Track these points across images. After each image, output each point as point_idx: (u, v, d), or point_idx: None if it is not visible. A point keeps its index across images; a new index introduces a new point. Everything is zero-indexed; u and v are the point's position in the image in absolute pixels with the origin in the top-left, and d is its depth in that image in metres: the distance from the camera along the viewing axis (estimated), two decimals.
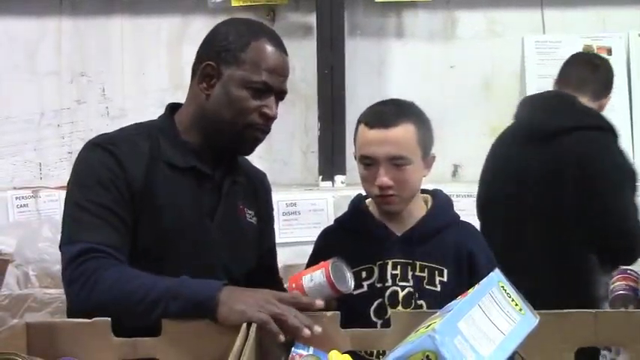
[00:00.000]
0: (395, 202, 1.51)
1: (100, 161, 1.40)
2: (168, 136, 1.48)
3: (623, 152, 2.22)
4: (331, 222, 1.70)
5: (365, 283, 1.52)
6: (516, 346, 1.04)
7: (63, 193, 1.45)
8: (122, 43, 3.30)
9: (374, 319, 1.50)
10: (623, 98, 3.09)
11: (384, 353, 1.30)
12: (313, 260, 1.52)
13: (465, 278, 1.51)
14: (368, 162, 1.50)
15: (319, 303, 1.24)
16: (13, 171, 3.29)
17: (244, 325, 1.16)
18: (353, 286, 1.37)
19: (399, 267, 1.52)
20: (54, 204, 3.00)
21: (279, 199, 2.90)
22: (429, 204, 1.61)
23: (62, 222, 1.41)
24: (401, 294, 1.51)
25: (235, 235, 1.53)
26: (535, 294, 2.08)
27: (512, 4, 3.30)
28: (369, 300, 1.52)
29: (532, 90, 3.11)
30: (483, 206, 2.42)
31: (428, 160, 1.55)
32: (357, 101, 3.17)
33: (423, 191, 1.62)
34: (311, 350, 1.18)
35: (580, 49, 3.01)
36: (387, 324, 1.27)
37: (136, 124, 1.54)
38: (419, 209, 1.59)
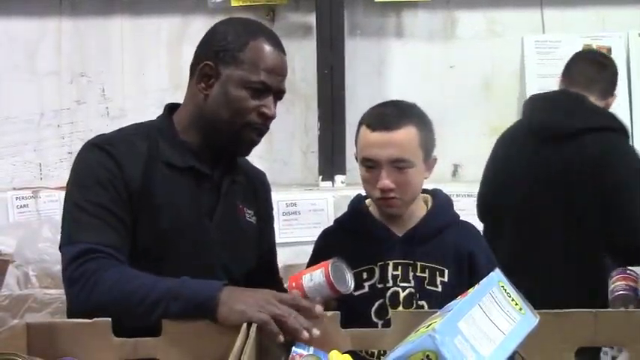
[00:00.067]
0: (396, 204, 1.51)
1: (98, 161, 1.40)
2: (167, 136, 1.49)
3: (635, 153, 2.23)
4: (331, 222, 1.70)
5: (366, 284, 1.52)
6: (516, 346, 1.04)
7: (63, 194, 1.45)
8: (122, 43, 3.30)
9: (375, 319, 1.50)
10: (623, 98, 3.08)
11: (384, 353, 1.30)
12: (313, 261, 1.52)
13: (466, 278, 1.51)
14: (370, 164, 1.50)
15: (319, 309, 1.24)
16: (13, 171, 3.29)
17: (244, 325, 1.16)
18: (353, 286, 1.37)
19: (399, 267, 1.52)
20: (54, 204, 3.00)
21: (279, 199, 2.90)
22: (429, 204, 1.61)
23: (62, 223, 1.41)
24: (402, 294, 1.51)
25: (235, 235, 1.53)
26: (548, 293, 2.09)
27: (512, 4, 3.30)
28: (370, 301, 1.52)
29: (532, 90, 3.11)
30: (489, 206, 2.41)
31: (429, 162, 1.55)
32: (356, 101, 3.18)
33: (423, 191, 1.61)
34: (311, 350, 1.18)
35: (580, 49, 3.00)
36: (388, 324, 1.27)
37: (134, 124, 1.54)
38: (419, 209, 1.59)
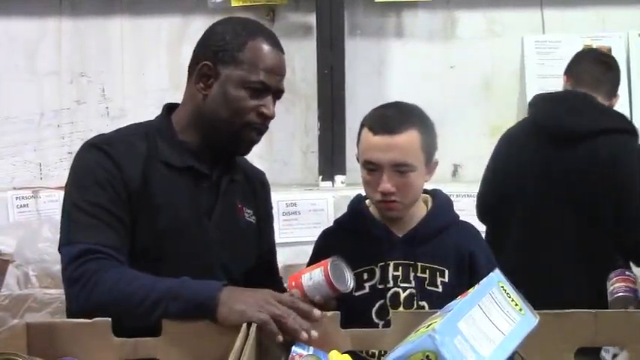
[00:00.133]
0: (397, 208, 1.51)
1: (97, 162, 1.40)
2: (166, 136, 1.49)
3: None
4: (331, 222, 1.70)
5: (366, 285, 1.52)
6: (516, 346, 1.04)
7: (63, 194, 1.45)
8: (122, 43, 3.30)
9: (376, 320, 1.50)
10: (623, 98, 3.06)
11: (385, 353, 1.30)
12: (313, 261, 1.52)
13: (466, 278, 1.51)
14: (371, 167, 1.50)
15: (317, 313, 1.24)
16: (13, 171, 3.29)
17: (244, 325, 1.16)
18: (352, 285, 1.37)
19: (400, 268, 1.52)
20: (54, 204, 3.00)
21: (279, 199, 2.90)
22: (429, 204, 1.61)
23: (60, 223, 1.41)
24: (402, 295, 1.51)
25: (234, 235, 1.53)
26: (559, 293, 2.09)
27: (512, 4, 3.30)
28: (371, 301, 1.51)
29: (532, 90, 3.11)
30: (491, 206, 2.39)
31: (431, 165, 1.55)
32: (357, 101, 3.18)
33: (423, 191, 1.61)
34: (311, 350, 1.18)
35: (580, 49, 3.00)
36: (388, 325, 1.27)
37: (132, 124, 1.55)
38: (419, 210, 1.59)
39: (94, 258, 1.32)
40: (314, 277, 1.32)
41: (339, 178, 3.16)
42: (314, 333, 1.20)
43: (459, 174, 3.29)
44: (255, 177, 1.67)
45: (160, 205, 1.42)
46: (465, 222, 1.65)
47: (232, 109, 1.44)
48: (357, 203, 1.63)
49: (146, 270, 1.33)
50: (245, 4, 3.16)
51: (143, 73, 3.31)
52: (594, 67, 2.37)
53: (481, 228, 2.28)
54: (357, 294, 1.50)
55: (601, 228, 2.17)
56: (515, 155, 2.33)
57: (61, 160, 3.27)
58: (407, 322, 1.19)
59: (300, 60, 3.24)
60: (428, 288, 1.51)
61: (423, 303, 1.50)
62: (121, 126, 1.55)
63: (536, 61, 3.25)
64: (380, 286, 1.52)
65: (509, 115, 3.20)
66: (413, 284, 1.51)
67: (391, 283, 1.52)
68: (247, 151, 1.54)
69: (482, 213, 2.43)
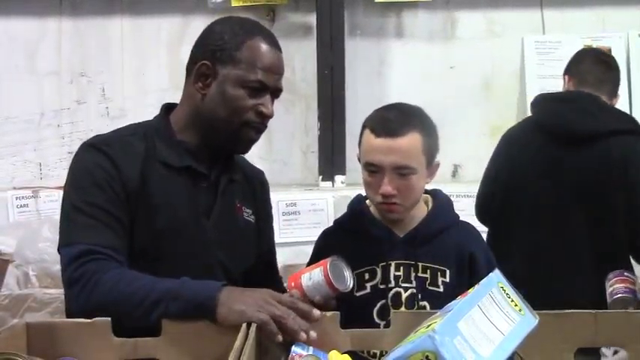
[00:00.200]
0: (397, 210, 1.51)
1: (95, 162, 1.40)
2: (164, 136, 1.49)
3: None
4: (331, 222, 1.70)
5: (368, 285, 1.52)
6: (516, 347, 1.04)
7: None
8: (122, 43, 3.30)
9: (377, 320, 1.50)
10: (623, 98, 3.06)
11: (385, 353, 1.30)
12: (313, 261, 1.52)
13: (466, 279, 1.51)
14: (373, 169, 1.50)
15: (316, 313, 1.24)
16: (13, 171, 3.29)
17: (244, 324, 1.16)
18: (352, 285, 1.37)
19: (401, 268, 1.52)
20: (54, 204, 3.00)
21: (279, 199, 2.90)
22: (430, 205, 1.61)
23: (59, 224, 1.42)
24: (404, 295, 1.51)
25: (233, 234, 1.53)
26: (572, 293, 2.08)
27: (512, 5, 3.30)
28: (372, 301, 1.51)
29: (532, 90, 3.11)
30: (491, 206, 2.38)
31: (432, 168, 1.55)
32: (357, 101, 3.18)
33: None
34: (310, 350, 1.18)
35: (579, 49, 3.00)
36: (389, 325, 1.27)
37: (131, 124, 1.55)
38: (420, 210, 1.59)
39: (94, 259, 1.32)
40: (313, 277, 1.32)
41: (339, 178, 3.16)
42: (312, 334, 1.20)
43: (458, 174, 3.29)
44: (255, 177, 1.67)
45: (159, 205, 1.42)
46: (466, 222, 1.65)
47: (231, 109, 1.45)
48: (357, 203, 1.64)
49: (145, 270, 1.33)
50: (245, 4, 3.16)
51: (143, 73, 3.31)
52: (596, 67, 2.36)
53: (481, 228, 2.28)
54: (358, 294, 1.51)
55: (612, 228, 2.17)
56: (518, 155, 2.32)
57: (61, 160, 3.27)
58: (407, 322, 1.19)
59: (300, 60, 3.24)
60: (429, 288, 1.52)
61: (424, 303, 1.50)
62: (121, 126, 1.55)
63: (536, 61, 3.25)
64: (381, 286, 1.52)
65: (509, 115, 3.21)
66: (414, 284, 1.51)
67: (393, 283, 1.52)
68: (246, 150, 1.54)
69: (482, 213, 2.42)
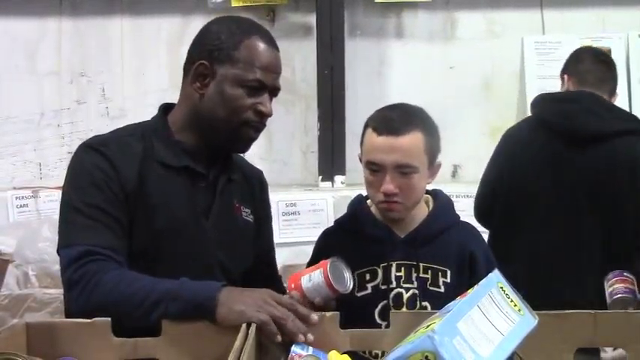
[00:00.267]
0: (398, 209, 1.51)
1: (93, 163, 1.41)
2: (162, 137, 1.49)
3: None
4: (331, 222, 1.70)
5: (369, 285, 1.52)
6: (515, 347, 1.04)
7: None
8: (122, 43, 3.30)
9: (378, 321, 1.50)
10: (622, 99, 3.07)
11: (385, 354, 1.30)
12: (314, 262, 1.52)
13: (466, 279, 1.51)
14: (374, 168, 1.50)
15: (314, 318, 1.24)
16: (13, 171, 3.29)
17: (244, 324, 1.17)
18: (351, 286, 1.37)
19: (402, 269, 1.52)
20: (54, 204, 2.99)
21: (278, 199, 2.90)
22: (430, 205, 1.61)
23: (58, 225, 1.42)
24: (405, 296, 1.51)
25: (232, 234, 1.53)
26: (583, 293, 2.08)
27: (512, 5, 3.30)
28: (374, 302, 1.51)
29: (532, 90, 3.11)
30: (490, 207, 2.37)
31: (434, 168, 1.55)
32: (356, 101, 3.18)
33: None
34: (310, 350, 1.18)
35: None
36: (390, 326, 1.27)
37: (129, 125, 1.55)
38: (420, 210, 1.59)
39: (94, 260, 1.32)
40: (313, 278, 1.32)
41: (338, 178, 3.16)
42: (310, 336, 1.20)
43: (458, 174, 3.29)
44: (254, 176, 1.67)
45: (157, 205, 1.42)
46: (466, 222, 1.65)
47: (230, 108, 1.45)
48: (357, 203, 1.63)
49: (144, 270, 1.33)
50: (245, 5, 3.16)
51: (143, 73, 3.31)
52: (596, 66, 2.36)
53: (480, 229, 2.28)
54: (359, 294, 1.51)
55: (620, 228, 2.18)
56: (521, 155, 2.30)
57: (61, 160, 3.27)
58: (406, 322, 1.19)
59: (300, 60, 3.24)
60: (430, 288, 1.51)
61: (426, 303, 1.50)
62: (121, 126, 1.56)
63: (536, 61, 3.25)
64: (383, 287, 1.52)
65: (509, 115, 3.21)
66: (415, 285, 1.51)
67: (394, 284, 1.52)
68: (245, 149, 1.54)
69: (482, 214, 2.40)
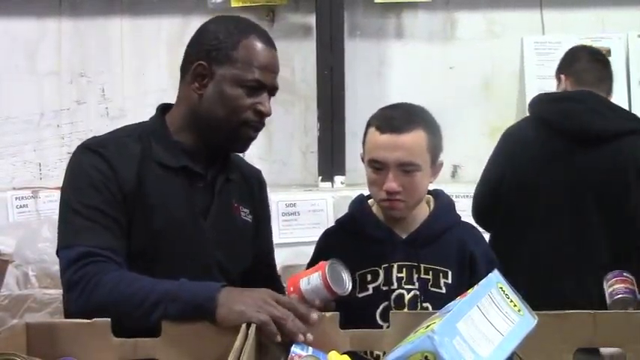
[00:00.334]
0: (401, 207, 1.51)
1: (91, 164, 1.41)
2: (160, 137, 1.49)
3: None
4: (331, 223, 1.70)
5: (370, 286, 1.52)
6: (515, 347, 1.04)
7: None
8: (122, 43, 3.30)
9: (380, 322, 1.50)
10: (622, 99, 3.08)
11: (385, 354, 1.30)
12: (315, 261, 1.52)
13: (466, 279, 1.51)
14: (377, 166, 1.50)
15: (314, 318, 1.24)
16: (12, 171, 3.29)
17: (244, 325, 1.17)
18: (350, 288, 1.36)
19: (404, 270, 1.52)
20: (53, 204, 2.99)
21: (278, 199, 2.91)
22: (432, 205, 1.61)
23: (58, 226, 1.42)
24: (407, 297, 1.51)
25: (231, 234, 1.53)
26: (590, 293, 2.08)
27: (512, 5, 3.30)
28: (375, 303, 1.51)
29: (532, 90, 3.11)
30: (489, 206, 2.36)
31: (436, 167, 1.55)
32: (356, 102, 3.18)
33: None
34: (310, 350, 1.18)
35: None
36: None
37: (126, 126, 1.55)
38: (422, 211, 1.59)
39: (93, 261, 1.32)
40: (312, 281, 1.32)
41: (338, 178, 3.16)
42: (309, 336, 1.20)
43: (458, 174, 3.29)
44: (252, 176, 1.67)
45: (155, 206, 1.42)
46: (467, 223, 1.65)
47: (230, 108, 1.45)
48: (359, 203, 1.63)
49: (143, 270, 1.33)
50: (245, 5, 3.16)
51: (143, 73, 3.31)
52: (593, 64, 2.36)
53: (480, 229, 2.28)
54: (360, 295, 1.51)
55: (625, 228, 2.18)
56: (521, 154, 2.29)
57: (61, 160, 3.27)
58: (406, 322, 1.19)
59: (300, 60, 3.24)
60: (431, 289, 1.51)
61: (427, 304, 1.50)
62: (121, 126, 1.56)
63: (536, 61, 3.25)
64: (384, 288, 1.52)
65: (509, 115, 3.20)
66: (416, 286, 1.51)
67: (395, 285, 1.51)
68: (244, 148, 1.54)
69: (480, 214, 2.40)
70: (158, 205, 1.42)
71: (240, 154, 1.66)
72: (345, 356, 1.20)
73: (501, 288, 1.11)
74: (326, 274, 1.30)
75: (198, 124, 1.48)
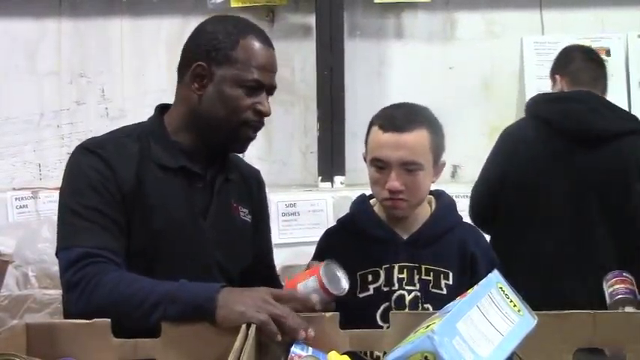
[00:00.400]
0: (403, 206, 1.51)
1: (90, 165, 1.41)
2: (158, 138, 1.49)
3: None
4: (330, 223, 1.70)
5: (371, 287, 1.52)
6: (515, 347, 1.04)
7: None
8: (122, 43, 3.30)
9: (380, 322, 1.49)
10: (622, 99, 3.08)
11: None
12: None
13: (467, 279, 1.51)
14: (380, 165, 1.50)
15: (314, 297, 1.25)
16: (12, 172, 3.29)
17: (244, 325, 1.17)
18: (347, 286, 1.35)
19: (405, 271, 1.52)
20: (53, 205, 2.93)
21: (278, 199, 2.91)
22: (433, 206, 1.60)
23: (57, 228, 1.41)
24: (407, 298, 1.51)
25: (230, 234, 1.53)
26: (594, 294, 2.08)
27: (511, 5, 3.30)
28: (376, 304, 1.51)
29: (531, 91, 3.11)
30: (488, 206, 2.35)
31: (438, 166, 1.55)
32: (356, 102, 3.18)
33: None
34: (310, 351, 1.18)
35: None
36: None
37: (125, 126, 1.55)
38: (423, 211, 1.59)
39: (93, 262, 1.32)
40: (308, 284, 1.31)
41: (338, 178, 3.16)
42: (311, 332, 1.20)
43: (458, 174, 3.30)
44: (251, 176, 1.68)
45: (154, 206, 1.42)
46: (468, 223, 1.66)
47: (229, 108, 1.45)
48: (360, 203, 1.63)
49: (142, 271, 1.34)
50: (244, 5, 3.16)
51: (143, 74, 3.31)
52: (588, 64, 2.36)
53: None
54: (360, 295, 1.51)
55: (626, 228, 2.19)
56: (520, 154, 2.29)
57: (61, 160, 3.26)
58: (406, 322, 1.19)
59: (300, 61, 3.24)
60: (432, 290, 1.51)
61: (428, 306, 1.50)
62: (121, 126, 1.56)
63: (536, 61, 3.25)
64: (385, 289, 1.52)
65: (509, 115, 3.20)
66: (417, 287, 1.51)
67: (396, 286, 1.51)
68: (244, 148, 1.54)
69: (478, 213, 2.38)
70: (157, 205, 1.42)
71: (240, 155, 1.66)
72: (345, 356, 1.20)
73: (501, 288, 1.11)
74: (321, 276, 1.30)
75: (197, 124, 1.48)
